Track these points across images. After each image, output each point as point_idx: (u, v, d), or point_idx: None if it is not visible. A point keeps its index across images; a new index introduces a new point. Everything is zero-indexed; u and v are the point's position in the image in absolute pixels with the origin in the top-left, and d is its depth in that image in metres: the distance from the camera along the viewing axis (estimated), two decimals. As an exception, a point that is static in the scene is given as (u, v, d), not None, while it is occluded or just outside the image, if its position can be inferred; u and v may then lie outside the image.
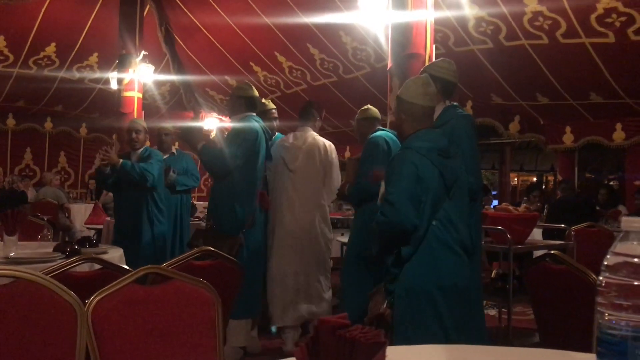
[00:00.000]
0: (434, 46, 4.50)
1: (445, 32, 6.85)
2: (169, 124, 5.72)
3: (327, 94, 9.12)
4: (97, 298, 1.65)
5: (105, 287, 1.68)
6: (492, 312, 5.16)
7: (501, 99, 7.91)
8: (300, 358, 0.65)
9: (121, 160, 4.41)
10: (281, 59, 8.93)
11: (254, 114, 4.05)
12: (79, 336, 1.55)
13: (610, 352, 0.74)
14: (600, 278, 0.77)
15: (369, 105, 4.27)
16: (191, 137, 4.08)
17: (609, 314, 0.75)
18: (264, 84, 9.65)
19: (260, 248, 4.10)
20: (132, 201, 4.54)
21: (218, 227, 3.84)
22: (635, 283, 0.73)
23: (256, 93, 4.15)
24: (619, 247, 0.77)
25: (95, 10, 8.97)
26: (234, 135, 3.92)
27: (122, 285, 1.71)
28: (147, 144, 4.82)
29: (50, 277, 1.82)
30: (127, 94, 7.86)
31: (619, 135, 7.73)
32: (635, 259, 0.74)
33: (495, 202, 8.59)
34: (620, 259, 0.75)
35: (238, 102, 4.02)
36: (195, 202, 7.74)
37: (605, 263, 0.77)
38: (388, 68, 4.58)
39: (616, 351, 0.74)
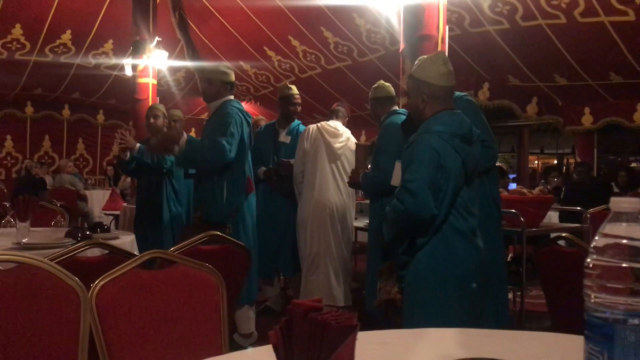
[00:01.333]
0: (447, 27, 4.44)
1: (460, 13, 6.74)
2: (177, 111, 5.73)
3: (341, 78, 9.07)
4: (101, 283, 1.66)
5: (109, 272, 1.70)
6: (508, 295, 5.13)
7: (518, 81, 7.79)
8: (274, 341, 0.64)
9: (138, 144, 4.46)
10: (295, 43, 8.88)
11: (233, 98, 3.90)
12: (82, 321, 1.56)
13: (597, 335, 0.73)
14: (588, 260, 0.75)
15: (381, 82, 4.10)
16: (170, 138, 3.67)
17: (595, 297, 0.73)
18: (279, 69, 9.63)
19: (252, 233, 3.96)
20: (151, 185, 4.62)
21: (206, 218, 3.72)
22: (623, 265, 0.71)
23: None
24: (607, 228, 0.75)
25: (110, -3, 9.01)
26: (223, 124, 3.63)
27: (126, 270, 1.72)
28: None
29: (57, 262, 1.85)
30: (142, 80, 7.88)
31: (639, 116, 7.58)
32: (624, 240, 0.72)
33: (513, 185, 8.50)
34: (609, 240, 0.73)
35: (223, 88, 3.79)
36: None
37: (594, 244, 0.75)
38: (400, 50, 4.53)
39: (603, 334, 0.72)
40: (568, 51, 6.79)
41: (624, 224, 0.73)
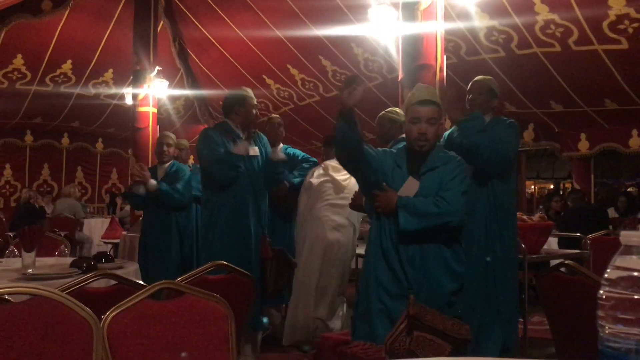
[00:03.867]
0: (444, 57, 4.52)
1: (456, 42, 6.86)
2: (183, 139, 5.78)
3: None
4: (113, 314, 1.68)
5: (120, 303, 1.71)
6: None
7: (515, 107, 7.88)
8: (304, 374, 0.66)
9: (156, 183, 4.46)
10: (294, 71, 8.99)
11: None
12: (94, 351, 1.58)
13: (612, 365, 0.75)
14: (601, 292, 0.77)
15: (398, 109, 4.17)
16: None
17: (609, 328, 0.75)
18: (277, 97, 9.72)
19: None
20: (161, 216, 4.60)
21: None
22: (636, 297, 0.74)
23: None
24: (619, 260, 0.77)
25: (110, 27, 9.12)
26: None
27: (137, 301, 1.74)
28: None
29: (67, 293, 1.86)
30: (142, 109, 7.96)
31: (635, 141, 7.67)
32: (635, 273, 0.75)
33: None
34: (621, 273, 0.76)
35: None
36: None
37: (606, 276, 0.78)
38: (399, 79, 4.60)
39: (618, 364, 0.74)
40: (563, 78, 6.90)
41: (634, 257, 0.76)
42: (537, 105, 7.76)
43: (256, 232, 3.75)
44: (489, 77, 3.95)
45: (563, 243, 5.56)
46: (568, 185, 15.58)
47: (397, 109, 4.15)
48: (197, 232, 5.08)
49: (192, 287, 1.88)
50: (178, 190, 4.50)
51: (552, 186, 16.89)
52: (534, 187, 17.60)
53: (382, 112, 4.10)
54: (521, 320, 4.18)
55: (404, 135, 3.98)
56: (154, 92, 7.97)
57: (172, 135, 4.90)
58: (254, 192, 3.77)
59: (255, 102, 3.90)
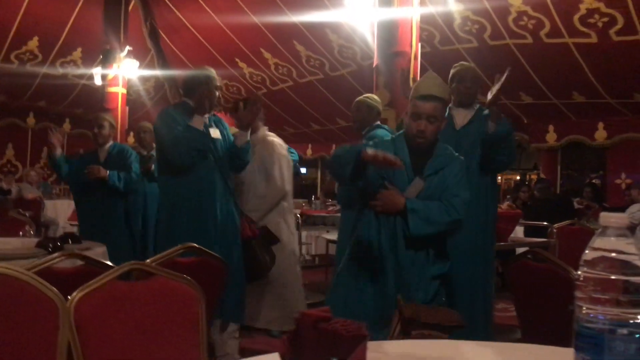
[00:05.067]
0: (419, 44, 4.53)
1: (430, 31, 6.88)
2: (146, 123, 5.66)
3: (313, 91, 9.13)
4: (80, 294, 1.64)
5: (88, 283, 1.67)
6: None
7: (485, 98, 7.95)
8: (283, 352, 0.65)
9: (108, 172, 4.33)
10: (267, 55, 8.92)
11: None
12: (61, 332, 1.54)
13: (588, 345, 0.76)
14: (579, 273, 0.78)
15: (375, 96, 4.13)
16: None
17: (586, 308, 0.76)
18: (250, 80, 9.63)
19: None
20: (106, 202, 4.48)
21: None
22: (612, 277, 0.75)
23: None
24: (597, 242, 0.78)
25: (79, 5, 8.89)
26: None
27: (105, 282, 1.70)
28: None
29: (32, 272, 1.81)
30: (112, 89, 7.82)
31: (600, 134, 7.84)
32: (613, 254, 0.76)
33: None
34: (598, 254, 0.77)
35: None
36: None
37: (584, 258, 0.78)
38: (374, 65, 4.60)
39: (593, 344, 0.75)
40: (534, 70, 6.99)
41: (612, 238, 0.77)
42: (507, 97, 7.86)
43: (228, 215, 3.53)
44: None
45: (529, 232, 5.66)
46: (534, 176, 15.86)
47: (375, 96, 4.14)
48: (144, 217, 5.00)
49: (162, 268, 1.84)
50: (136, 174, 4.44)
51: (518, 177, 17.18)
52: (501, 178, 17.90)
53: (361, 97, 4.06)
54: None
55: (378, 123, 4.00)
56: (123, 73, 7.82)
57: (106, 116, 4.79)
58: (221, 174, 3.51)
59: (219, 84, 3.62)
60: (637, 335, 0.74)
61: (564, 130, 8.24)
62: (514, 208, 4.40)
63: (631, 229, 0.78)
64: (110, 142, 4.59)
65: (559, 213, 5.83)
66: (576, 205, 7.26)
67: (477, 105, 3.39)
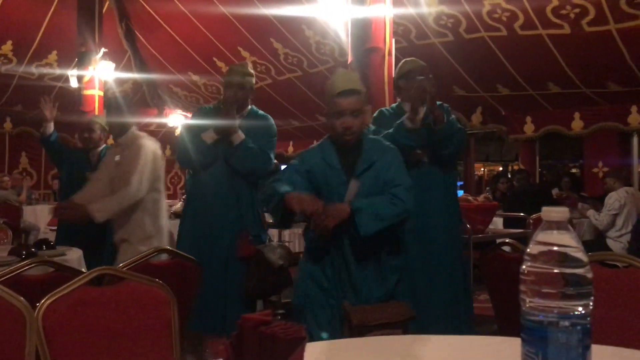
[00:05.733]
0: (393, 40, 4.54)
1: (406, 26, 6.90)
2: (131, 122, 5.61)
3: (292, 89, 9.12)
4: (48, 301, 1.63)
5: (57, 290, 1.66)
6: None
7: (463, 91, 8.02)
8: (225, 357, 0.65)
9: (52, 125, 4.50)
10: (245, 54, 8.89)
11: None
12: (28, 342, 1.53)
13: (532, 338, 0.77)
14: (523, 267, 0.79)
15: None
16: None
17: (530, 302, 0.77)
18: (229, 80, 9.59)
19: None
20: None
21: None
22: (555, 271, 0.76)
23: None
24: (540, 236, 0.79)
25: (53, 7, 8.78)
26: (267, 135, 3.37)
27: (73, 288, 1.69)
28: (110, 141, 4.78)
29: (1, 281, 1.79)
30: (88, 92, 7.74)
31: (577, 124, 7.92)
32: (555, 247, 0.77)
33: (461, 192, 8.72)
34: (542, 248, 0.78)
35: (249, 93, 3.43)
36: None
37: (528, 251, 0.79)
38: (348, 62, 4.61)
39: (538, 337, 0.76)
40: (510, 62, 7.05)
41: (555, 232, 0.78)
42: (484, 89, 7.92)
43: (232, 226, 3.34)
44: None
45: (509, 223, 5.72)
46: (516, 167, 16.02)
47: None
48: None
49: (132, 272, 1.84)
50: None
51: (500, 168, 17.34)
52: (483, 170, 18.04)
53: None
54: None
55: None
56: (99, 75, 7.75)
57: (98, 119, 4.74)
58: (230, 180, 3.33)
59: (235, 81, 3.38)
60: (579, 327, 0.75)
61: (541, 121, 8.32)
62: (491, 200, 4.44)
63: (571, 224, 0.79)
64: (102, 145, 4.56)
65: (538, 203, 5.88)
66: (555, 196, 7.35)
67: None
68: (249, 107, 3.47)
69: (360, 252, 2.33)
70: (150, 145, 3.38)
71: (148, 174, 3.26)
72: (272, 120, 3.46)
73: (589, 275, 0.76)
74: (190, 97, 10.45)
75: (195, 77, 9.90)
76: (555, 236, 0.78)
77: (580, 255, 0.76)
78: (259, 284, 3.29)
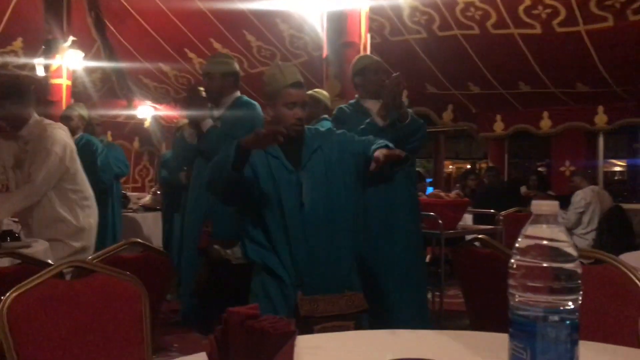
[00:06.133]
0: (369, 35, 4.54)
1: (380, 22, 6.90)
2: (96, 114, 5.53)
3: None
4: (14, 295, 1.57)
5: (23, 283, 1.61)
6: (427, 295, 5.28)
7: (435, 89, 8.07)
8: (209, 351, 0.63)
9: None
10: (217, 45, 8.77)
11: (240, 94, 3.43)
12: (-8, 335, 1.47)
13: (520, 332, 0.76)
14: (512, 261, 0.78)
15: (322, 90, 4.16)
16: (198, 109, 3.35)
17: (519, 296, 0.76)
18: (199, 71, 9.47)
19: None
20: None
21: (215, 232, 3.28)
22: (544, 265, 0.75)
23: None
24: (529, 230, 0.79)
25: (18, -8, 8.53)
26: (250, 123, 3.16)
27: (40, 281, 1.64)
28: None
29: (-37, 273, 1.73)
30: (55, 81, 7.55)
31: (545, 123, 8.05)
32: (544, 242, 0.76)
33: (430, 189, 8.79)
34: (530, 242, 0.77)
35: (225, 81, 3.36)
36: (129, 193, 7.57)
37: (517, 245, 0.79)
38: (324, 56, 4.59)
39: (526, 332, 0.75)
40: (481, 61, 7.11)
41: (544, 226, 0.77)
42: (456, 87, 7.98)
43: (197, 219, 3.37)
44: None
45: (478, 219, 5.78)
46: (484, 165, 16.25)
47: (323, 90, 4.16)
48: (106, 210, 4.87)
49: (101, 265, 1.79)
50: (102, 167, 4.35)
51: (469, 166, 17.55)
52: (452, 167, 18.24)
53: (309, 92, 4.06)
54: (438, 293, 4.33)
55: (325, 115, 4.00)
56: (67, 64, 7.56)
57: (75, 109, 4.66)
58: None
59: (204, 70, 3.41)
60: (568, 322, 0.75)
61: (511, 120, 8.43)
62: (462, 196, 4.48)
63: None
64: (79, 134, 4.48)
65: (506, 200, 5.98)
66: (523, 194, 7.47)
67: None
68: (236, 96, 3.43)
69: (318, 241, 2.25)
70: (61, 136, 3.21)
71: (55, 167, 3.12)
72: (258, 109, 3.37)
73: (579, 269, 0.75)
74: (160, 88, 10.28)
75: (165, 68, 9.74)
76: (545, 230, 0.77)
77: (570, 249, 0.76)
78: (213, 280, 3.21)
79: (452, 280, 3.93)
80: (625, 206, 6.51)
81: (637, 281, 1.75)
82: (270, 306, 2.22)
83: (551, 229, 0.77)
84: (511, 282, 0.78)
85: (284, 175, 2.29)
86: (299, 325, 1.89)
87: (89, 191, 3.37)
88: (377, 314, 2.74)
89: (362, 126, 3.01)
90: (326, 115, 3.89)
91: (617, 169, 14.79)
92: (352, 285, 2.30)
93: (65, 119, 4.39)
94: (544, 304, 0.74)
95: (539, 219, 0.78)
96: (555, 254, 0.75)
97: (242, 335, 0.60)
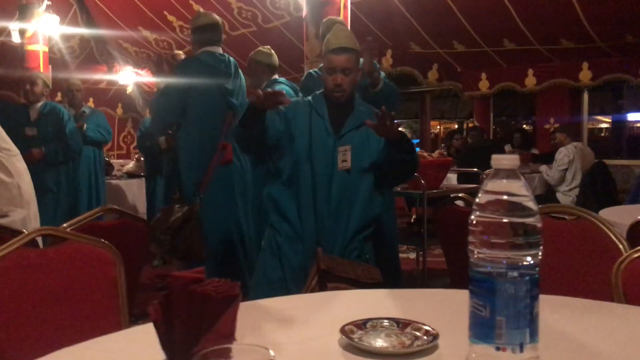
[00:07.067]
0: (349, -7, 4.44)
1: (362, -21, 6.76)
2: (76, 79, 5.43)
3: (246, 45, 8.87)
4: (-17, 264, 1.54)
5: (-7, 253, 1.58)
6: (412, 255, 5.33)
7: (419, 47, 7.97)
8: (154, 317, 0.60)
9: (44, 151, 4.21)
10: (196, 7, 8.57)
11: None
12: (-39, 306, 1.45)
13: (480, 290, 0.75)
14: (472, 217, 0.76)
15: (269, 48, 4.08)
16: None
17: (478, 252, 0.75)
18: (179, 35, 9.28)
19: (223, 212, 3.53)
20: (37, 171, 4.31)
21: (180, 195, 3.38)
22: (504, 220, 0.73)
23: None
24: (489, 185, 0.77)
25: (-10, -45, 8.23)
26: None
27: (11, 250, 1.61)
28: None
29: None
30: (31, 47, 7.36)
31: (530, 80, 8.00)
32: (504, 196, 0.74)
33: (417, 150, 8.77)
34: (490, 197, 0.75)
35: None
36: (114, 160, 7.51)
37: (477, 201, 0.77)
38: (304, 16, 4.50)
39: (485, 288, 0.74)
40: (465, 18, 7.01)
41: (504, 181, 0.75)
42: (440, 46, 7.88)
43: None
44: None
45: (462, 179, 5.79)
46: (471, 124, 16.23)
47: (265, 48, 4.06)
48: (89, 177, 4.84)
49: (74, 232, 1.76)
50: (72, 136, 4.29)
51: (456, 126, 17.53)
52: (439, 127, 18.21)
53: (253, 55, 4.01)
54: (421, 253, 4.36)
55: (276, 76, 3.94)
56: (43, 29, 7.36)
57: (41, 75, 4.59)
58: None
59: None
60: (527, 278, 0.73)
61: (495, 78, 8.37)
62: (445, 155, 4.47)
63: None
64: (43, 101, 4.41)
65: (490, 159, 5.98)
66: (507, 152, 7.47)
67: None
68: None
69: (341, 207, 2.32)
70: None
71: None
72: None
73: (539, 224, 0.74)
74: (141, 53, 10.08)
75: (145, 33, 9.53)
76: (505, 185, 0.75)
77: (530, 204, 0.74)
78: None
79: (435, 239, 3.95)
80: (609, 162, 6.54)
81: (613, 237, 1.76)
82: (277, 265, 2.32)
83: (511, 183, 0.75)
84: (471, 238, 0.76)
85: (322, 136, 2.33)
86: (316, 277, 1.89)
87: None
88: None
89: None
90: (276, 76, 3.85)
91: (603, 125, 14.84)
92: (366, 257, 2.37)
93: (30, 84, 4.33)
94: (504, 260, 0.73)
95: (499, 174, 0.76)
96: (514, 208, 0.74)
97: (185, 300, 0.58)
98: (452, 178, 5.45)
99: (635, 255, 1.47)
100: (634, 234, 2.10)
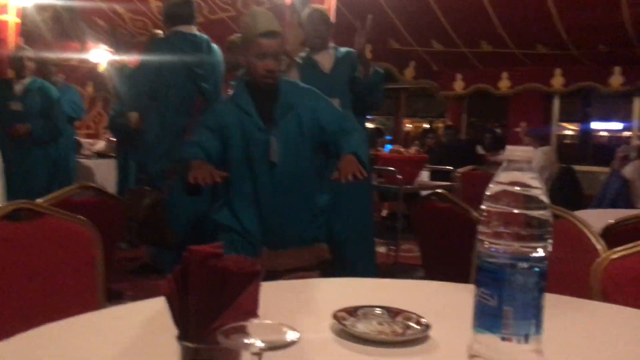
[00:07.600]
0: (333, -19, 4.43)
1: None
2: (52, 55, 5.30)
3: (225, 30, 8.77)
4: (-44, 236, 1.49)
5: (-34, 224, 1.52)
6: (382, 249, 5.36)
7: (398, 45, 8.00)
8: (167, 292, 0.59)
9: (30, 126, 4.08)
10: (175, -13, 8.43)
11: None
12: None
13: (488, 279, 0.75)
14: (483, 207, 0.77)
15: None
16: None
17: (489, 243, 0.75)
18: (157, 15, 9.11)
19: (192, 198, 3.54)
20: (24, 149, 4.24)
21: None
22: (515, 211, 0.74)
23: None
24: (501, 176, 0.77)
25: None
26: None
27: (-14, 222, 1.56)
28: None
29: None
30: (1, 17, 7.13)
31: (504, 84, 8.13)
32: (516, 188, 0.75)
33: (390, 147, 8.83)
34: (502, 188, 0.76)
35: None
36: (82, 140, 7.35)
37: (488, 192, 0.77)
38: (289, 3, 4.47)
39: (494, 278, 0.74)
40: (445, 17, 7.07)
41: (516, 172, 0.76)
42: (419, 44, 7.93)
43: None
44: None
45: (435, 176, 5.85)
46: (441, 124, 16.39)
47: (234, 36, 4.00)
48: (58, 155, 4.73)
49: (53, 207, 1.71)
50: (52, 129, 4.20)
51: (427, 125, 17.69)
52: (411, 125, 18.35)
53: (227, 44, 3.95)
54: (393, 247, 4.39)
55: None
56: (15, 0, 7.13)
57: (28, 52, 4.46)
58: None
59: None
60: (537, 269, 0.74)
61: (471, 79, 8.48)
62: (420, 152, 4.51)
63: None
64: (30, 77, 4.28)
65: (463, 159, 6.07)
66: (479, 152, 7.58)
67: (335, 48, 3.31)
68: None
69: (286, 200, 2.24)
70: None
71: None
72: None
73: (550, 217, 0.74)
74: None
75: (120, 10, 9.33)
76: (516, 176, 0.75)
77: (542, 196, 0.75)
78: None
79: (408, 234, 3.98)
80: (576, 167, 6.70)
81: (590, 235, 1.80)
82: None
83: (523, 175, 0.75)
84: (481, 229, 0.76)
85: (255, 134, 2.22)
86: (264, 280, 1.88)
87: None
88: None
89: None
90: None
91: (569, 132, 15.15)
92: (317, 238, 2.31)
93: (17, 60, 4.20)
94: (514, 251, 0.73)
95: (512, 165, 0.76)
96: (526, 200, 0.74)
97: (203, 275, 0.57)
98: (424, 175, 5.50)
99: (614, 257, 1.50)
100: (607, 237, 2.15)
